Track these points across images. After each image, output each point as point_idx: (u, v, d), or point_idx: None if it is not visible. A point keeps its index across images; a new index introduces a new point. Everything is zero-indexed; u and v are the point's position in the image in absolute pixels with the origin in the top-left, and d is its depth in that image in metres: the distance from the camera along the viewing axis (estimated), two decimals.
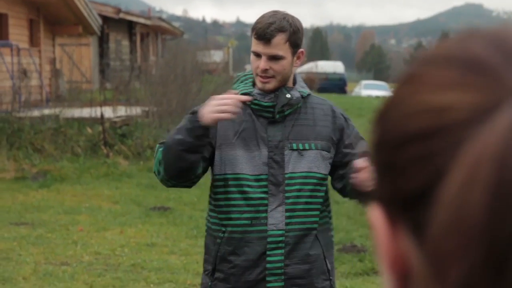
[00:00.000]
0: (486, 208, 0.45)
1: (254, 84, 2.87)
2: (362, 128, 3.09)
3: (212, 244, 2.87)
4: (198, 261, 6.65)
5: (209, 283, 2.88)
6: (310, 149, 2.84)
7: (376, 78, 72.45)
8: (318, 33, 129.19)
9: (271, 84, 2.81)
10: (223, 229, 2.83)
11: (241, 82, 2.90)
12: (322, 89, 34.89)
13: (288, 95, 2.82)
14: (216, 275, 2.86)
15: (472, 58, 0.50)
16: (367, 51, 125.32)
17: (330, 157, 2.88)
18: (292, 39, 2.77)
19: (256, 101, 2.83)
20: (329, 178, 2.94)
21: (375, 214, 0.53)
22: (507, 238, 0.44)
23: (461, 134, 0.47)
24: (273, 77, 2.79)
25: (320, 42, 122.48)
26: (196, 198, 9.47)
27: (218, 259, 2.84)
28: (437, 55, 0.52)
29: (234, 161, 2.81)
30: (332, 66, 38.90)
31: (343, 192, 2.92)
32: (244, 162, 2.81)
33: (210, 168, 2.89)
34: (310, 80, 36.26)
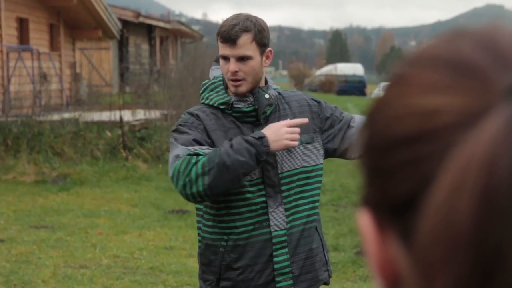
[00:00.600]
0: (473, 216, 0.43)
1: (226, 90, 2.83)
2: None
3: (213, 254, 2.83)
4: None
5: None
6: (298, 144, 2.85)
7: None
8: (337, 35, 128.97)
9: (244, 87, 2.77)
10: (225, 237, 2.80)
11: (211, 90, 2.85)
12: (341, 92, 34.82)
13: (267, 95, 2.81)
14: (222, 284, 2.83)
15: (460, 60, 0.48)
16: (387, 53, 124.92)
17: (316, 146, 2.89)
18: (258, 38, 2.76)
19: (237, 109, 2.80)
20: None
21: (364, 220, 0.52)
22: (494, 247, 0.43)
23: (449, 139, 0.46)
24: (243, 79, 2.76)
25: (339, 44, 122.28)
26: None
27: (223, 268, 2.81)
28: (425, 56, 0.51)
29: None
30: (352, 69, 38.83)
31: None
32: None
33: None
34: (330, 82, 36.17)
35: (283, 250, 2.81)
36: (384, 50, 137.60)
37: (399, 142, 0.48)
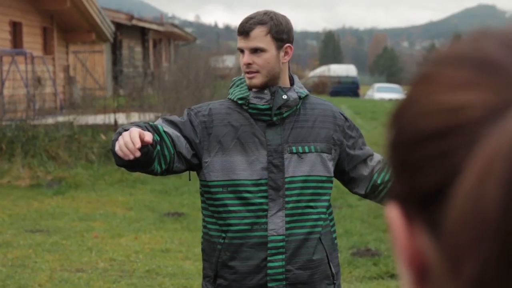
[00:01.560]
0: (500, 202, 0.46)
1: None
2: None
3: (212, 250, 2.83)
4: None
5: None
6: (310, 152, 2.81)
7: (388, 81, 72.32)
8: (330, 37, 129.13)
9: (258, 79, 2.77)
10: (223, 235, 2.79)
11: (237, 86, 2.87)
12: (335, 93, 34.87)
13: (285, 96, 2.79)
14: (219, 281, 2.83)
15: (484, 58, 0.51)
16: (380, 54, 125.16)
17: (332, 158, 2.86)
18: (274, 31, 2.75)
19: (252, 105, 2.80)
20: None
21: (393, 213, 0.54)
22: None
23: (475, 133, 0.49)
24: (257, 72, 2.76)
25: (332, 46, 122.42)
26: None
27: (219, 266, 2.81)
28: (450, 55, 0.53)
29: (232, 167, 2.77)
30: (345, 70, 38.87)
31: (374, 198, 2.95)
32: (243, 167, 2.77)
33: (197, 173, 2.86)
34: (323, 83, 36.23)
35: (279, 256, 2.76)
36: (376, 51, 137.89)
37: (427, 136, 0.51)
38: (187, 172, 2.90)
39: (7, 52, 15.41)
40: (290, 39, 2.82)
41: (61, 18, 18.13)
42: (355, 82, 37.02)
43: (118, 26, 23.14)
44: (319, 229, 2.82)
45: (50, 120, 12.84)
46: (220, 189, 2.78)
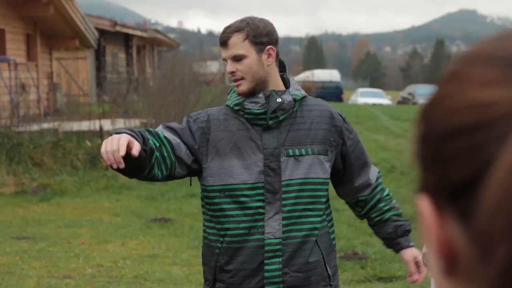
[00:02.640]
0: None
1: None
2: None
3: (211, 254, 2.85)
4: (200, 272, 6.63)
5: None
6: (307, 154, 2.81)
7: (371, 85, 72.59)
8: (313, 42, 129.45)
9: (244, 86, 2.79)
10: (221, 239, 2.81)
11: (233, 92, 2.88)
12: (318, 98, 34.94)
13: (279, 100, 2.79)
14: (217, 285, 2.85)
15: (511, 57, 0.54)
16: (363, 59, 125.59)
17: (329, 159, 2.86)
18: (252, 36, 2.76)
19: (248, 110, 2.81)
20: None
21: (423, 203, 0.57)
22: None
23: (505, 127, 0.52)
24: (242, 78, 2.78)
25: (315, 51, 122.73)
26: (196, 209, 9.49)
27: (218, 269, 2.83)
28: (479, 54, 0.57)
29: (229, 172, 2.79)
30: (328, 75, 38.97)
31: (360, 215, 3.06)
32: (240, 172, 2.78)
33: (198, 178, 2.88)
34: (307, 88, 36.32)
35: (276, 260, 2.78)
36: (359, 56, 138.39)
37: (459, 131, 0.54)
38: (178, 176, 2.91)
39: None
40: (272, 41, 2.81)
41: (44, 24, 18.07)
42: (338, 87, 37.09)
43: (102, 32, 23.08)
44: (316, 231, 2.83)
45: (34, 127, 12.79)
46: (218, 194, 2.80)
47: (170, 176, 2.78)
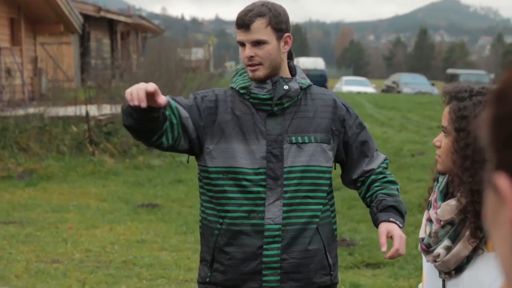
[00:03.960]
0: None
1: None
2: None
3: (210, 235, 2.86)
4: (189, 257, 6.69)
5: (208, 274, 2.87)
6: (310, 142, 2.82)
7: (355, 74, 72.66)
8: (297, 30, 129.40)
9: (261, 72, 2.78)
10: (221, 220, 2.81)
11: (240, 75, 2.88)
12: None
13: (286, 87, 2.79)
14: (215, 266, 2.86)
15: None
16: (346, 48, 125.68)
17: (331, 148, 2.87)
18: (274, 22, 2.76)
19: (254, 95, 2.81)
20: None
21: (502, 181, 0.58)
22: None
23: None
24: (260, 64, 2.77)
25: (299, 39, 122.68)
26: (183, 195, 9.50)
27: (216, 250, 2.84)
28: None
29: (232, 155, 2.79)
30: (313, 63, 38.98)
31: (359, 193, 2.99)
32: (242, 156, 2.79)
33: (196, 158, 2.88)
34: None
35: (275, 245, 2.78)
36: (343, 45, 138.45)
37: None
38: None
39: None
40: (288, 28, 2.83)
41: (28, 9, 17.91)
42: (323, 75, 37.07)
43: (86, 17, 22.91)
44: (317, 219, 2.83)
45: (20, 112, 12.71)
46: (220, 175, 2.80)
47: (174, 147, 2.79)
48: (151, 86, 2.50)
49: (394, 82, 38.34)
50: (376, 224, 2.87)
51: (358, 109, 20.64)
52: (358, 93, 32.92)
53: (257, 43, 2.76)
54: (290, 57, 2.91)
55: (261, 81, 2.81)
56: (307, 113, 2.85)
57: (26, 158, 11.16)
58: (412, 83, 36.79)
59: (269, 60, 2.77)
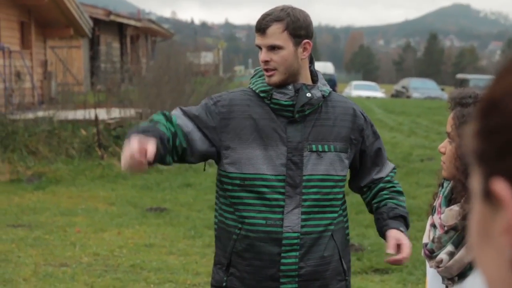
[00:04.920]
0: None
1: None
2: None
3: (227, 239, 2.82)
4: (197, 261, 6.69)
5: (224, 278, 2.85)
6: (329, 151, 2.79)
7: (365, 78, 72.59)
8: None
9: (276, 77, 2.75)
10: (240, 225, 2.78)
11: (259, 77, 2.85)
12: None
13: (309, 94, 2.76)
14: (231, 270, 2.83)
15: None
16: (356, 52, 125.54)
17: (347, 157, 2.86)
18: (291, 28, 2.72)
19: (275, 100, 2.77)
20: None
21: (501, 188, 0.58)
22: None
23: None
24: (275, 69, 2.74)
25: None
26: (192, 199, 9.51)
27: (234, 255, 2.81)
28: None
29: (251, 161, 2.76)
30: (322, 67, 38.94)
31: (363, 198, 3.01)
32: (262, 162, 2.75)
33: (216, 162, 2.87)
34: None
35: (293, 253, 2.76)
36: (353, 49, 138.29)
37: None
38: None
39: None
40: (308, 35, 2.79)
41: (39, 13, 17.98)
42: (332, 80, 37.07)
43: (96, 21, 22.99)
44: (332, 227, 2.82)
45: (29, 115, 12.75)
46: (238, 181, 2.77)
47: (181, 161, 2.80)
48: (134, 151, 2.44)
49: (403, 87, 38.26)
50: (383, 230, 2.87)
51: (367, 113, 20.59)
52: (368, 98, 32.87)
53: (272, 48, 2.73)
54: (311, 62, 2.87)
55: (280, 86, 2.77)
56: (327, 121, 2.82)
57: (35, 161, 11.19)
58: (422, 88, 36.71)
59: (284, 66, 2.74)
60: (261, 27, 2.74)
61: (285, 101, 2.77)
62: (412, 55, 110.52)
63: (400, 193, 2.97)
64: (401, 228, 2.85)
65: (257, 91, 2.82)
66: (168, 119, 2.73)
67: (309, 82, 2.83)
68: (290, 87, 2.77)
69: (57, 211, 8.73)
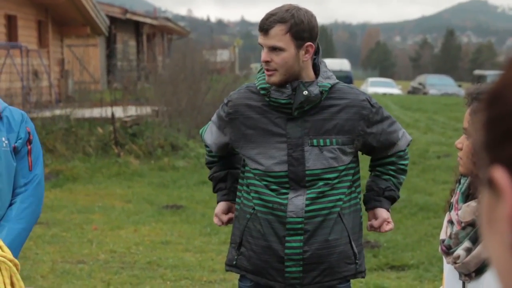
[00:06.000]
0: None
1: None
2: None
3: (243, 218, 2.92)
4: (213, 258, 6.71)
5: (235, 257, 2.96)
6: (331, 144, 2.80)
7: (381, 75, 72.37)
8: (323, 31, 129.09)
9: (275, 77, 2.76)
10: (253, 206, 2.88)
11: (263, 73, 2.87)
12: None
13: (306, 92, 2.76)
14: (242, 249, 2.93)
15: None
16: (372, 49, 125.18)
17: (354, 147, 2.86)
18: (294, 30, 2.71)
19: (273, 99, 2.80)
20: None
21: (500, 176, 0.58)
22: None
23: None
24: (275, 70, 2.75)
25: (325, 40, 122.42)
26: (208, 196, 9.52)
27: (245, 234, 2.90)
28: None
29: (256, 158, 2.84)
30: (339, 64, 38.82)
31: (371, 160, 3.08)
32: (266, 159, 2.81)
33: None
34: None
35: (298, 237, 2.80)
36: (369, 46, 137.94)
37: None
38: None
39: (2, 45, 15.37)
40: (312, 37, 2.77)
41: (56, 11, 18.09)
42: (348, 77, 36.97)
43: (112, 20, 23.09)
44: (337, 209, 2.83)
45: (47, 113, 12.83)
46: (249, 174, 2.90)
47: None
48: (220, 217, 3.08)
49: (420, 84, 38.12)
50: (373, 204, 2.98)
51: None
52: (384, 94, 32.78)
53: (274, 49, 2.74)
54: (317, 53, 2.86)
55: (278, 85, 2.79)
56: (330, 115, 2.82)
57: (53, 159, 11.27)
58: (439, 84, 36.55)
59: (284, 68, 2.75)
60: (264, 27, 2.75)
61: (283, 99, 2.79)
62: (429, 52, 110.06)
63: (404, 171, 3.03)
64: (388, 209, 2.98)
65: (258, 87, 2.86)
66: (215, 156, 3.12)
67: (311, 77, 2.83)
68: (288, 85, 2.78)
69: (74, 209, 8.78)
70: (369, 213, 3.00)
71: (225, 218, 3.05)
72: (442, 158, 12.62)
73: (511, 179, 0.58)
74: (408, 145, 3.02)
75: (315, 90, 2.78)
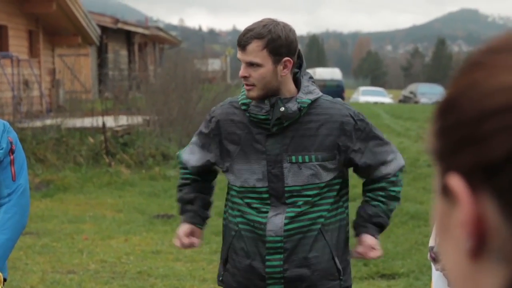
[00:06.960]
0: None
1: None
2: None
3: (228, 235, 2.95)
4: (203, 268, 6.70)
5: (222, 273, 2.99)
6: (310, 161, 2.77)
7: (372, 84, 72.60)
8: (314, 40, 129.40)
9: (254, 92, 2.75)
10: (237, 223, 2.90)
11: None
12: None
13: (282, 109, 2.73)
14: (227, 266, 2.96)
15: None
16: (364, 58, 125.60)
17: (335, 163, 2.81)
18: (271, 46, 2.68)
19: (253, 114, 2.80)
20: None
21: (455, 183, 0.59)
22: None
23: None
24: (253, 85, 2.74)
25: (316, 49, 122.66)
26: None
27: (230, 251, 2.93)
28: (500, 45, 0.61)
29: (237, 174, 2.86)
30: (330, 73, 38.96)
31: (363, 183, 3.02)
32: (246, 176, 2.83)
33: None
34: None
35: (278, 256, 2.81)
36: (360, 55, 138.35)
37: (494, 112, 0.57)
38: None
39: None
40: (290, 52, 2.74)
41: (47, 21, 18.07)
42: (340, 86, 37.10)
43: (104, 29, 23.08)
44: (318, 226, 2.81)
45: (37, 123, 12.81)
46: (231, 190, 2.95)
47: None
48: (181, 239, 3.04)
49: (411, 92, 38.26)
50: (361, 230, 2.91)
51: (375, 119, 20.61)
52: (375, 103, 32.88)
53: (251, 65, 2.73)
54: (300, 66, 2.85)
55: (258, 100, 2.79)
56: (309, 131, 2.79)
57: (43, 169, 11.24)
58: (430, 93, 36.69)
59: (262, 83, 2.73)
60: (242, 43, 2.74)
61: (262, 115, 2.79)
62: (420, 61, 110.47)
63: (395, 198, 2.93)
64: (377, 236, 2.90)
65: (240, 102, 2.87)
66: (198, 174, 3.08)
67: (292, 93, 2.80)
68: (266, 101, 2.77)
69: (65, 219, 8.76)
70: (357, 240, 2.94)
71: (186, 241, 3.00)
72: (433, 166, 12.61)
73: (466, 186, 0.59)
74: (401, 170, 2.93)
75: (293, 106, 2.75)
